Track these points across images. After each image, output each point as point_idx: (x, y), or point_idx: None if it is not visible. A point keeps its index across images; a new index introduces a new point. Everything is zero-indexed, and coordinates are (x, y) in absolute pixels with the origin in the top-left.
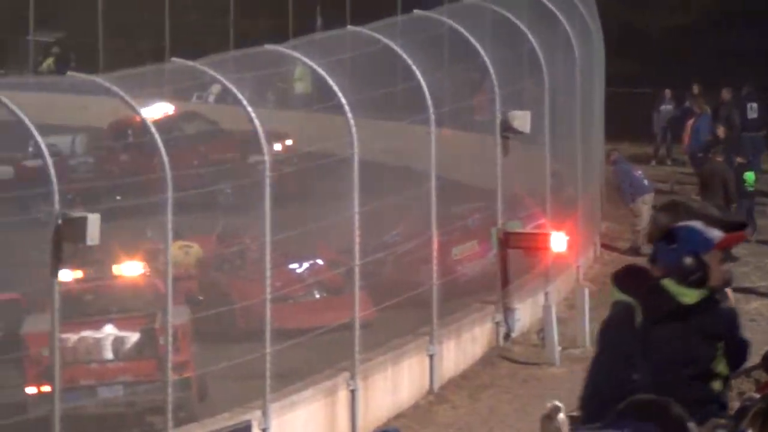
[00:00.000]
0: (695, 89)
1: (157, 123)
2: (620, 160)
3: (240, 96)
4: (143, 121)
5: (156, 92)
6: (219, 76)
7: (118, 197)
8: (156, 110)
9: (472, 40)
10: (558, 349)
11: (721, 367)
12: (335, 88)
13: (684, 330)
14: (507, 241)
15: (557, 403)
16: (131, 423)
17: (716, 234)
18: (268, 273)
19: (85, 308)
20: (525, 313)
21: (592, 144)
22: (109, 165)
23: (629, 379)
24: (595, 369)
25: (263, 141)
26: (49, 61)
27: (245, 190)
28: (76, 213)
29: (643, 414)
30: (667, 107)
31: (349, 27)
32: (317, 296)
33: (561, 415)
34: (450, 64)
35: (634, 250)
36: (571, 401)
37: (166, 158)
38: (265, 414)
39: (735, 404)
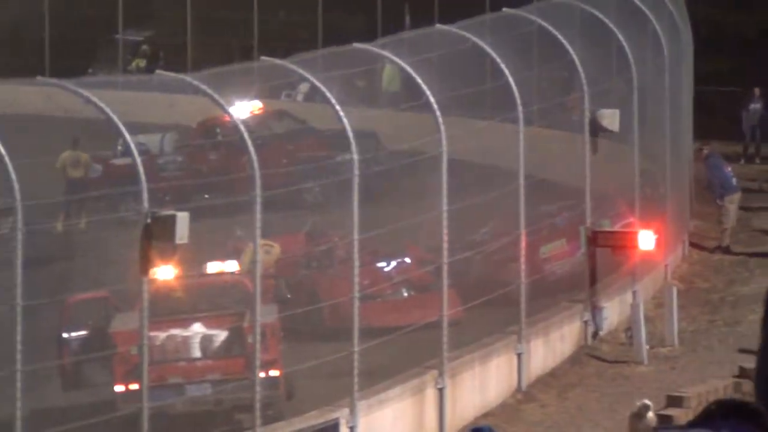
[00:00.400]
0: None
1: (246, 121)
2: (713, 155)
3: (328, 94)
4: (232, 120)
5: (245, 91)
6: (308, 75)
7: (206, 196)
8: (245, 109)
9: (561, 38)
10: (646, 347)
11: None
12: (423, 86)
13: None
14: (595, 239)
15: (647, 401)
16: (219, 421)
17: None
18: (356, 271)
19: (173, 306)
20: (613, 312)
21: (680, 142)
22: (198, 163)
23: None
24: (763, 361)
25: (352, 139)
26: (138, 60)
27: (334, 188)
28: (165, 211)
29: (742, 416)
30: (755, 106)
31: (438, 25)
32: (405, 294)
33: (650, 414)
34: (539, 62)
35: (724, 249)
36: (659, 399)
37: (255, 157)
38: (352, 412)
39: None
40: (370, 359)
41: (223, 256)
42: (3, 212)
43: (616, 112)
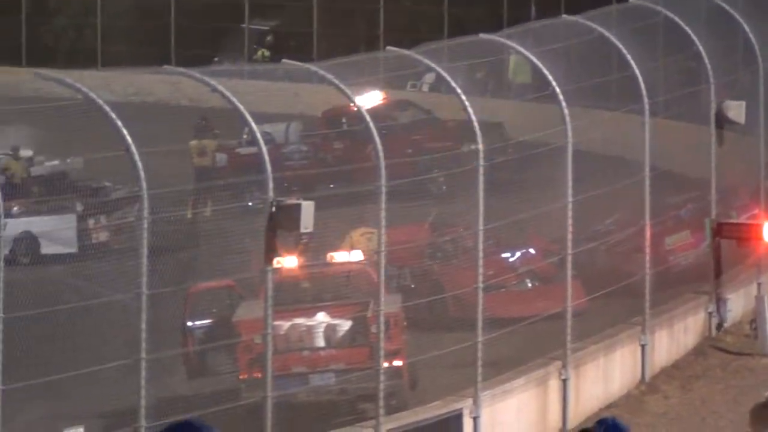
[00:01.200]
0: None
1: (371, 111)
2: None
3: (454, 84)
4: (357, 109)
5: (370, 80)
6: (433, 65)
7: (331, 185)
8: (370, 98)
9: (687, 29)
10: None
11: None
12: (549, 77)
13: None
14: (720, 231)
15: None
16: (342, 411)
17: None
18: (480, 261)
19: (297, 296)
20: (737, 304)
21: None
22: (323, 153)
23: None
24: None
25: (477, 130)
26: (263, 50)
27: (459, 178)
28: (291, 200)
29: None
30: None
31: (564, 16)
32: (529, 285)
33: None
34: (664, 53)
35: None
36: None
37: (380, 146)
38: (476, 402)
39: None
40: (493, 350)
41: (348, 246)
42: (129, 200)
43: (742, 104)
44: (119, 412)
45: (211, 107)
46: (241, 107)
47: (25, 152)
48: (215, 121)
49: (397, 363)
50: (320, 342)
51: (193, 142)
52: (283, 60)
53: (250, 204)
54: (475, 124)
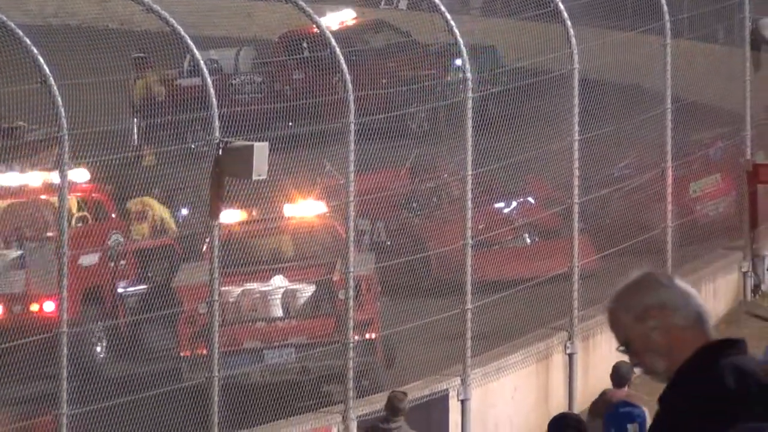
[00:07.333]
0: None
1: (338, 34)
2: None
3: (437, 1)
4: (321, 32)
5: None
6: None
7: (290, 123)
8: (336, 19)
9: None
10: None
11: None
12: None
13: None
14: (757, 174)
15: None
16: (304, 393)
17: None
18: (469, 213)
19: (249, 256)
20: None
21: None
22: (280, 85)
23: None
24: None
25: (464, 55)
26: None
27: (443, 114)
28: (240, 142)
29: None
30: None
31: None
32: (528, 241)
33: None
34: None
35: None
36: None
37: (348, 76)
38: (464, 382)
39: None
40: (485, 319)
41: (311, 196)
42: (47, 143)
43: None
44: (36, 397)
45: (145, 30)
46: (182, 30)
47: None
48: (151, 48)
49: (370, 336)
50: (277, 311)
51: (140, 82)
52: None
53: (192, 146)
54: (462, 48)
